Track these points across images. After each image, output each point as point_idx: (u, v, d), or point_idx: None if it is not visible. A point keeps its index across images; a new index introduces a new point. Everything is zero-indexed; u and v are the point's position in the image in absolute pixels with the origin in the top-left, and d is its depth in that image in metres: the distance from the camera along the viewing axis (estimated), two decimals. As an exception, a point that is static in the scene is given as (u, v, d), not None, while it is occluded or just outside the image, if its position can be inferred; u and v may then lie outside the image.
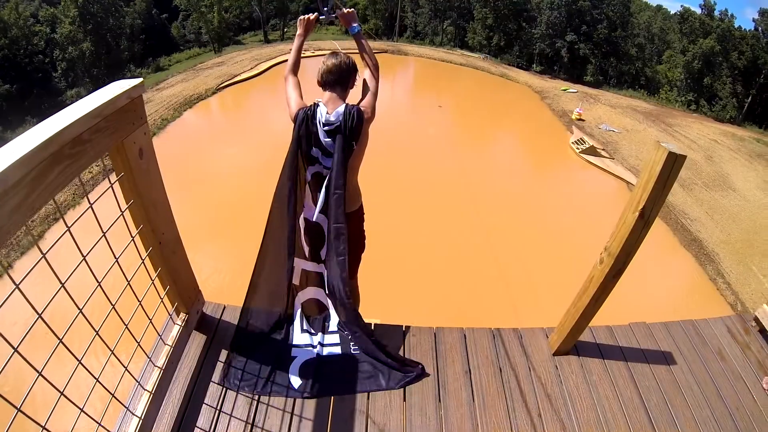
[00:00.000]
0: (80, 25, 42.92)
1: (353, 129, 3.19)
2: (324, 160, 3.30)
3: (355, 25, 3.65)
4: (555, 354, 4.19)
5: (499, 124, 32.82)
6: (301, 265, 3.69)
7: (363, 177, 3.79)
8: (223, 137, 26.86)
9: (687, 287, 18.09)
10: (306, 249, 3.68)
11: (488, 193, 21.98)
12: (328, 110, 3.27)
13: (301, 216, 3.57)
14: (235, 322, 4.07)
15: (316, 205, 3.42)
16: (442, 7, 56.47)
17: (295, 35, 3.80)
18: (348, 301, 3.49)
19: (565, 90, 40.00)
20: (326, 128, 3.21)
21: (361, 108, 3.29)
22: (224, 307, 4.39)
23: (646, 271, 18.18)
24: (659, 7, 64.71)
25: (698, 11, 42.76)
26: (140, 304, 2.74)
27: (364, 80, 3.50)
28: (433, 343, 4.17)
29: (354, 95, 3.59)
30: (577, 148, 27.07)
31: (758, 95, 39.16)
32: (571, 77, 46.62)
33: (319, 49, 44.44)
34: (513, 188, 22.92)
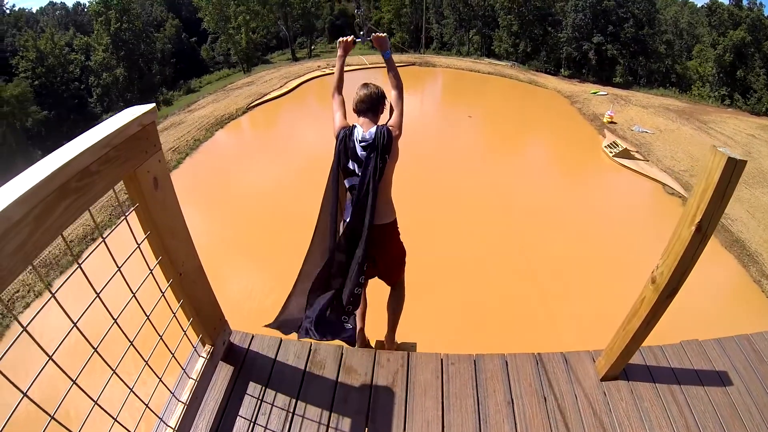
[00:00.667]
0: (113, 52, 45.06)
1: (385, 145, 3.62)
2: (360, 172, 3.74)
3: (387, 50, 4.22)
4: (603, 379, 3.96)
5: (529, 131, 32.91)
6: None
7: (395, 191, 4.17)
8: (254, 155, 27.63)
9: (730, 291, 17.72)
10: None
11: (521, 203, 22.02)
12: (364, 130, 3.78)
13: (342, 220, 4.07)
14: (264, 352, 4.17)
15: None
16: (466, 16, 56.69)
17: (336, 55, 4.42)
18: (347, 306, 4.03)
19: (594, 93, 39.77)
20: (362, 144, 3.69)
21: (390, 127, 3.75)
22: (252, 337, 4.33)
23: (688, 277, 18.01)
24: (686, 1, 63.78)
25: (726, 2, 42.04)
26: (161, 338, 2.62)
27: (391, 105, 3.99)
28: (473, 371, 4.08)
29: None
30: (611, 152, 27.02)
31: (795, 86, 38.32)
32: (600, 79, 46.21)
33: (348, 65, 45.35)
34: (547, 197, 22.83)
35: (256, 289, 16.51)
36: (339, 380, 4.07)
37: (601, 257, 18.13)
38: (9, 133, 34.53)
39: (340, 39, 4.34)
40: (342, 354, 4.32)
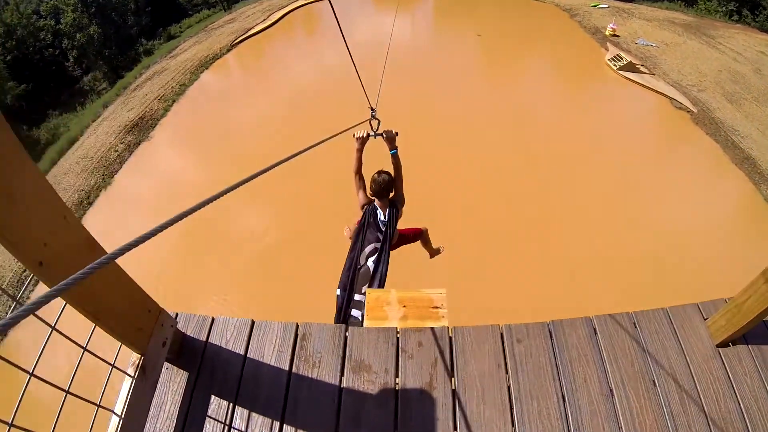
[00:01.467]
0: (83, 10, 42.47)
1: (396, 219, 5.24)
2: (380, 237, 5.02)
3: (394, 149, 5.31)
4: (719, 345, 2.91)
5: (529, 48, 31.08)
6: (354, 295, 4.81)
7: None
8: (242, 93, 26.81)
9: (742, 209, 16.89)
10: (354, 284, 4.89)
11: (528, 121, 21.10)
12: (381, 210, 5.20)
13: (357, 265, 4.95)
14: (230, 344, 3.03)
15: (368, 259, 4.92)
16: None
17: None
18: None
19: (595, 6, 37.48)
20: (381, 222, 5.11)
21: (399, 209, 5.30)
22: (212, 321, 3.15)
23: (698, 191, 17.24)
24: None
25: None
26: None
27: (397, 184, 5.31)
28: (550, 342, 2.96)
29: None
30: (615, 65, 25.39)
31: (807, 1, 36.24)
32: (600, -8, 43.70)
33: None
34: (552, 115, 21.72)
35: (258, 230, 16.57)
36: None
37: (614, 180, 17.45)
38: (-12, 114, 32.76)
39: (356, 135, 5.27)
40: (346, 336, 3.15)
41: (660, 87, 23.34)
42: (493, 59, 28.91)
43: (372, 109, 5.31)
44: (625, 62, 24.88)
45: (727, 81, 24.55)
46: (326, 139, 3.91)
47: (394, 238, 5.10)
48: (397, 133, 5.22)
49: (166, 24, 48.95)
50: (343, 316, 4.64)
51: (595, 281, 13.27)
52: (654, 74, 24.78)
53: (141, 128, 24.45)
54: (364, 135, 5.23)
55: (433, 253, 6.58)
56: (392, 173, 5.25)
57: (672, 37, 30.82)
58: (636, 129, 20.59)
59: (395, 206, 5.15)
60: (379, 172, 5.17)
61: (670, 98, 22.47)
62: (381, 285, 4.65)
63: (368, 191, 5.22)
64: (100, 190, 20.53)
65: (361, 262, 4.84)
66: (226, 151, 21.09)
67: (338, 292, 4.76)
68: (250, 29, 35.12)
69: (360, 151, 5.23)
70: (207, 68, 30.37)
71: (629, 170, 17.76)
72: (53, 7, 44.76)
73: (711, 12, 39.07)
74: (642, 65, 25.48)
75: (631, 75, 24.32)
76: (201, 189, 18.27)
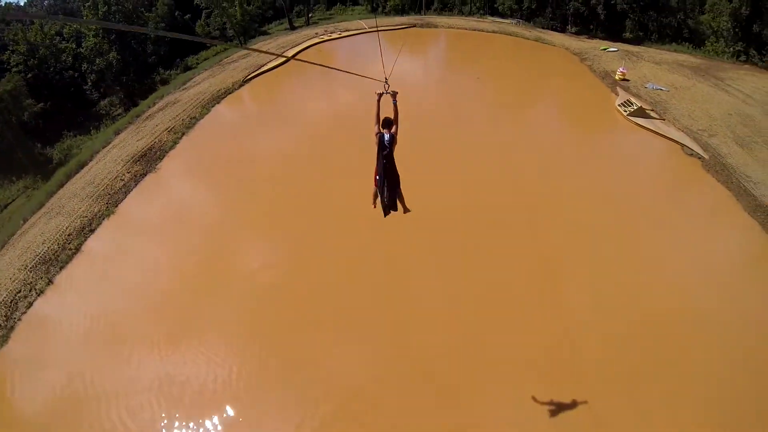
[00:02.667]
0: (104, 36, 43.73)
1: (393, 141, 9.00)
2: (387, 150, 8.95)
3: (395, 100, 9.29)
4: None
5: (540, 90, 31.86)
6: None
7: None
8: (252, 128, 27.28)
9: (755, 261, 16.70)
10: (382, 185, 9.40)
11: (535, 166, 21.43)
12: (386, 135, 8.96)
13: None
14: None
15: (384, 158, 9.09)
16: (468, -27, 54.50)
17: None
18: (390, 200, 9.49)
19: (605, 49, 38.50)
20: (387, 140, 8.93)
21: (395, 135, 9.04)
22: None
23: (709, 242, 17.33)
24: (698, -48, 61.54)
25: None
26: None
27: (396, 121, 9.22)
28: None
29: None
30: (625, 111, 26.00)
31: (813, 39, 36.76)
32: (609, 35, 44.61)
33: (347, 30, 44.36)
34: (562, 160, 22.08)
35: (272, 261, 16.76)
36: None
37: (624, 226, 17.65)
38: (6, 128, 34.04)
39: (377, 92, 9.30)
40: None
41: (671, 133, 23.76)
42: (501, 102, 29.49)
43: (386, 80, 9.32)
44: (635, 108, 25.40)
45: (737, 124, 24.91)
46: (354, 73, 10.28)
47: (394, 146, 9.03)
48: (397, 92, 9.25)
49: (183, 54, 50.19)
50: (381, 189, 9.38)
51: (592, 333, 13.49)
52: (664, 119, 25.23)
53: (149, 159, 24.88)
54: (380, 92, 9.30)
55: (405, 209, 10.07)
56: (392, 116, 9.15)
57: (681, 81, 31.40)
58: (647, 178, 20.84)
59: (393, 134, 9.06)
60: (386, 117, 9.07)
61: (681, 144, 22.84)
62: (394, 168, 9.19)
63: (380, 125, 9.08)
64: (103, 218, 20.78)
65: (383, 160, 9.07)
66: (232, 186, 21.48)
67: (377, 177, 9.33)
68: (263, 65, 36.03)
69: (378, 101, 9.19)
70: (219, 102, 30.85)
71: (640, 221, 17.96)
72: (76, 31, 46.13)
73: (719, 53, 39.75)
74: (652, 110, 25.99)
75: (641, 121, 24.81)
76: (203, 223, 19.02)
